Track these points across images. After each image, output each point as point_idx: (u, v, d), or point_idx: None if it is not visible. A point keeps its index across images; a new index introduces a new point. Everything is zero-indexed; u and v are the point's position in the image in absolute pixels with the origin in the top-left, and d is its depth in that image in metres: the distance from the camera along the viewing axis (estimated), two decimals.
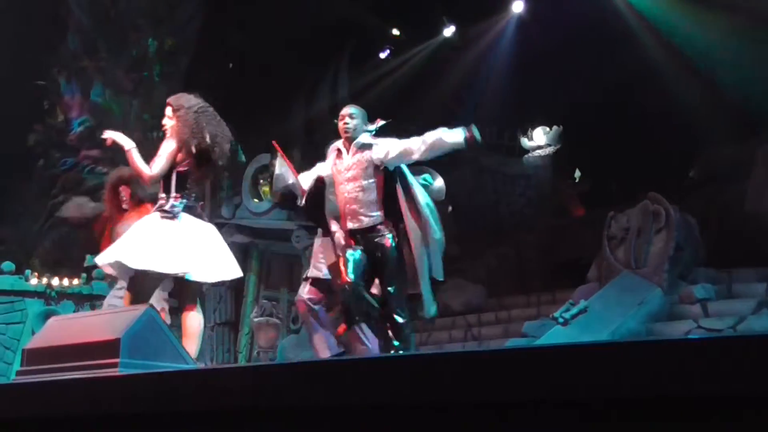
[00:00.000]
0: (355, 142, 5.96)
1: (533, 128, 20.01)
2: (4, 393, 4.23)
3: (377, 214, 5.90)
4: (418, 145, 5.85)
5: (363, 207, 5.88)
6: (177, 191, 6.01)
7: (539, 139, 19.97)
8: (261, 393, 3.00)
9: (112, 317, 4.88)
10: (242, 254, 16.11)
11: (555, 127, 19.88)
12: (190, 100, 6.19)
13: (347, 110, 6.09)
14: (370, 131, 6.02)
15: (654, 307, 10.94)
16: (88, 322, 5.03)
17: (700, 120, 15.36)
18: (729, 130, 14.95)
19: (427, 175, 6.18)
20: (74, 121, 17.93)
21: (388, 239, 5.86)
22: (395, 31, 20.81)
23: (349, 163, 5.95)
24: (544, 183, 19.51)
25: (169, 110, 6.18)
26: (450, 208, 6.27)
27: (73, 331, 4.91)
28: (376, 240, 5.87)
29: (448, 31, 20.26)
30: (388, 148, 5.91)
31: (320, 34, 19.07)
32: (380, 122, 6.10)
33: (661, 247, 11.27)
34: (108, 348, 4.38)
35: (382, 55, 20.97)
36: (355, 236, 5.92)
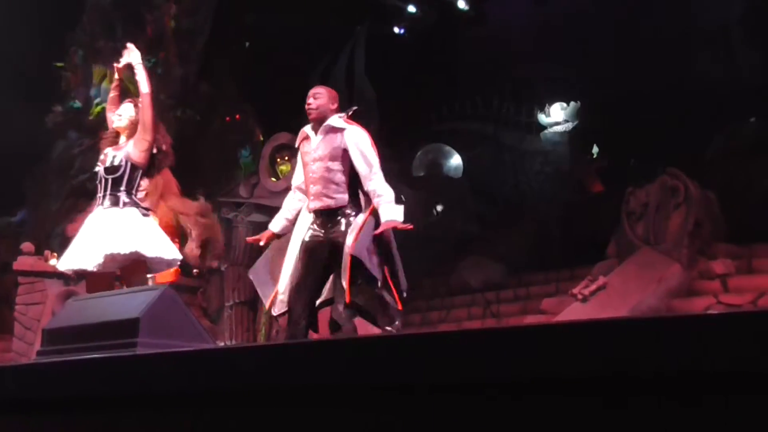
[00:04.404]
0: (325, 124, 5.73)
1: (550, 105, 19.92)
2: (25, 373, 4.25)
3: (341, 197, 5.68)
4: (370, 184, 5.61)
5: (326, 188, 5.68)
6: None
7: (557, 115, 19.88)
8: (280, 372, 3.00)
9: (130, 297, 4.88)
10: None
11: (572, 103, 19.78)
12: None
13: (312, 90, 5.86)
14: (340, 116, 5.78)
15: (673, 283, 10.91)
16: (107, 302, 5.04)
17: (722, 95, 15.22)
18: (750, 105, 14.81)
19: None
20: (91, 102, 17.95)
21: (352, 220, 5.62)
22: (410, 8, 20.72)
23: (316, 144, 5.75)
24: (563, 159, 19.45)
25: (130, 107, 6.33)
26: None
27: (93, 311, 4.92)
28: (336, 224, 5.66)
29: (463, 5, 20.14)
30: (358, 153, 5.66)
31: (336, 11, 19.01)
32: (351, 110, 5.87)
33: (680, 222, 11.21)
34: (127, 327, 4.39)
35: (398, 31, 20.90)
36: (317, 219, 5.74)
